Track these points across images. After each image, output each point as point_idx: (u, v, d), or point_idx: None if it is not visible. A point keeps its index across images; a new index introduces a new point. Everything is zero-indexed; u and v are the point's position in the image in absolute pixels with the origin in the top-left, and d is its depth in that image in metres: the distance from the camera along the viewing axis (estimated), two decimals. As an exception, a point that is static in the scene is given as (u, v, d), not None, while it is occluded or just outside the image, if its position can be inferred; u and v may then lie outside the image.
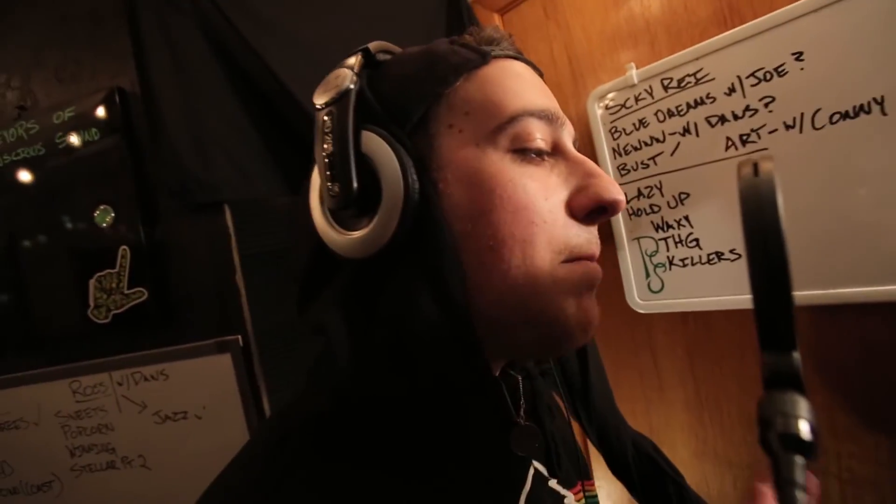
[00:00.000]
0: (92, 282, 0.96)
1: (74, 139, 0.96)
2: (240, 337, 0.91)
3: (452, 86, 0.34)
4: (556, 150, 0.36)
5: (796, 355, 0.25)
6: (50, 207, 0.98)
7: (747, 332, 0.98)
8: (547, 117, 0.35)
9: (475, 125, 0.34)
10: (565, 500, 0.44)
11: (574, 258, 0.34)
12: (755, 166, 0.29)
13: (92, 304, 0.96)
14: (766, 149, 0.90)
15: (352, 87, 0.33)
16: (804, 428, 0.22)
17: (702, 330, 1.06)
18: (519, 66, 0.37)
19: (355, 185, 0.31)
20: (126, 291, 0.94)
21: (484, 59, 0.35)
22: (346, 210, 0.33)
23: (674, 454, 0.92)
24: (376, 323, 0.33)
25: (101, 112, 0.95)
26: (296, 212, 0.40)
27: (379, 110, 0.34)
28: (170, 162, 0.89)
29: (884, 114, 0.79)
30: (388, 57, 0.39)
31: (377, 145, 0.32)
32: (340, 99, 0.32)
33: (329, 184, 0.32)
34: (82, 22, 1.00)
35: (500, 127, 0.33)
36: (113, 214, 0.95)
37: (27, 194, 1.00)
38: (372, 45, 0.37)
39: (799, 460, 0.21)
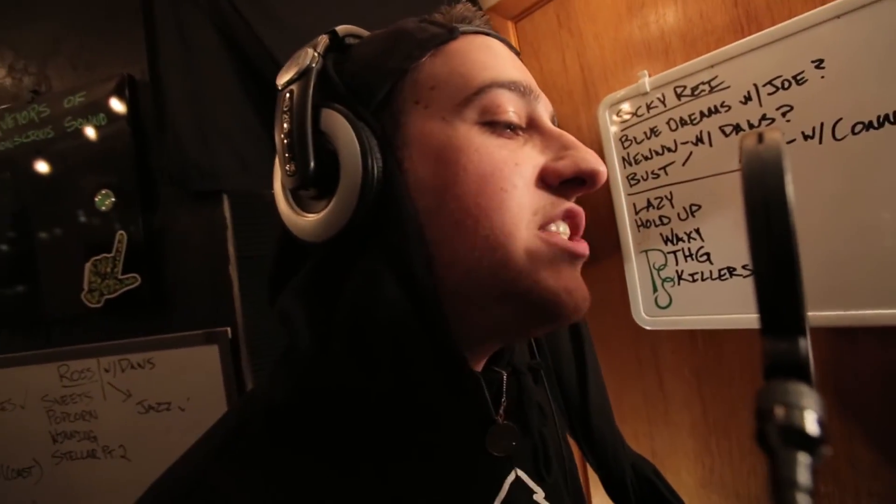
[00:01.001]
0: (88, 265, 0.96)
1: (82, 124, 0.97)
2: (229, 329, 0.89)
3: (418, 61, 0.33)
4: (531, 125, 0.33)
5: (803, 341, 0.21)
6: (54, 190, 0.99)
7: (760, 354, 0.93)
8: (519, 89, 0.32)
9: (441, 99, 0.32)
10: None
11: (545, 223, 0.32)
12: (760, 136, 0.26)
13: (86, 287, 0.96)
14: (782, 159, 0.86)
15: (313, 66, 0.32)
16: (810, 420, 0.18)
17: (711, 349, 1.00)
18: (490, 41, 0.35)
19: (312, 164, 0.30)
20: (120, 276, 0.94)
21: (451, 34, 0.34)
22: (305, 191, 0.32)
23: (677, 482, 0.86)
24: (337, 311, 0.30)
25: (110, 98, 0.96)
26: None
27: (342, 89, 0.32)
28: (173, 148, 0.89)
29: (910, 125, 0.75)
30: (355, 40, 0.38)
31: (337, 123, 0.30)
32: (300, 77, 0.31)
33: (287, 165, 0.30)
34: (99, 11, 1.02)
35: (468, 99, 0.31)
36: (113, 199, 0.95)
37: (33, 176, 1.00)
38: (340, 29, 0.36)
39: (803, 458, 0.17)
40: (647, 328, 1.08)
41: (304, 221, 0.31)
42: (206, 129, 0.92)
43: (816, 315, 0.83)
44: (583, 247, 0.32)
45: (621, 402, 1.14)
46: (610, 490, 0.58)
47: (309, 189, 0.31)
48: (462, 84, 0.32)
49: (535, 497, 0.39)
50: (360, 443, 0.31)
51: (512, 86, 0.32)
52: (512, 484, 0.37)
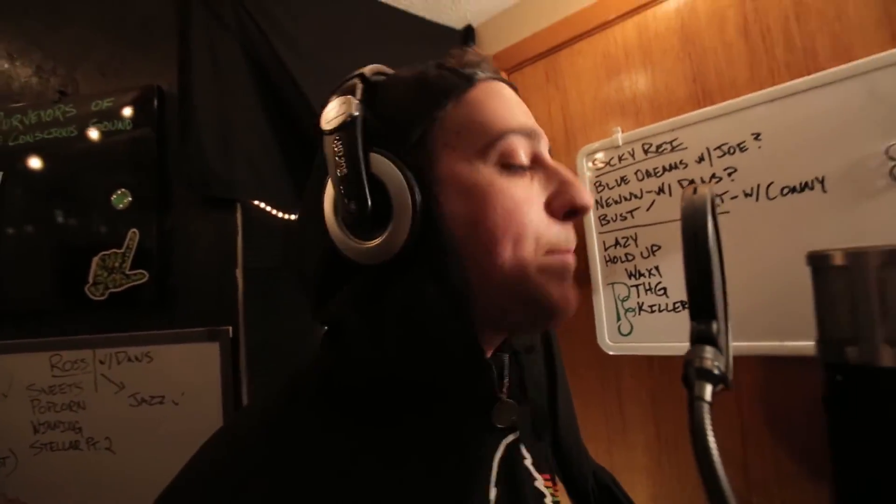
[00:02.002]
0: (96, 259, 1.00)
1: (108, 127, 1.03)
2: (231, 328, 0.95)
3: (444, 109, 0.38)
4: (535, 162, 0.42)
5: (714, 323, 0.32)
6: (70, 185, 1.04)
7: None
8: (527, 133, 0.40)
9: (466, 143, 0.39)
10: (536, 484, 0.49)
11: (554, 251, 0.41)
12: (695, 189, 0.38)
13: (91, 280, 1.00)
14: (727, 211, 1.02)
15: (357, 114, 0.36)
16: (712, 364, 0.29)
17: (665, 374, 1.13)
18: (499, 86, 0.42)
19: (369, 203, 0.36)
20: (128, 272, 0.98)
21: (469, 82, 0.40)
22: (359, 223, 0.37)
23: (631, 496, 0.96)
24: (389, 315, 0.37)
25: (138, 105, 1.04)
26: (304, 220, 0.45)
27: (382, 133, 0.37)
28: (196, 156, 0.97)
29: (824, 191, 0.92)
30: (381, 78, 0.42)
31: (385, 166, 0.36)
32: (348, 126, 0.36)
33: (346, 201, 0.36)
34: (134, 24, 1.11)
35: (488, 145, 0.38)
36: (130, 199, 1.01)
37: (50, 170, 1.05)
38: (367, 70, 0.41)
39: (707, 386, 0.28)
40: (611, 353, 1.20)
41: (361, 247, 0.36)
42: (228, 141, 1.00)
43: (754, 345, 0.97)
44: (574, 262, 0.42)
45: (584, 422, 1.23)
46: (572, 496, 0.66)
47: (366, 223, 0.37)
48: (482, 132, 0.39)
49: (525, 463, 0.47)
50: (395, 410, 0.39)
51: (521, 131, 0.40)
52: (508, 445, 0.45)
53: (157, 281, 0.98)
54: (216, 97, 1.02)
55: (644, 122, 1.19)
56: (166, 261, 1.00)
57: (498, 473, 0.41)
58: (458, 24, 1.58)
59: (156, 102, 1.04)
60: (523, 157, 0.40)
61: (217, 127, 1.00)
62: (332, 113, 0.37)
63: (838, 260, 0.34)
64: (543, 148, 0.42)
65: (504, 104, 0.41)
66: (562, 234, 0.41)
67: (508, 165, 0.39)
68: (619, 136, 1.19)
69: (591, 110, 1.30)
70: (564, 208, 0.40)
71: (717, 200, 1.03)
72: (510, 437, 0.44)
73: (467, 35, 1.57)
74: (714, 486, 0.27)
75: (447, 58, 0.43)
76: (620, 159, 1.19)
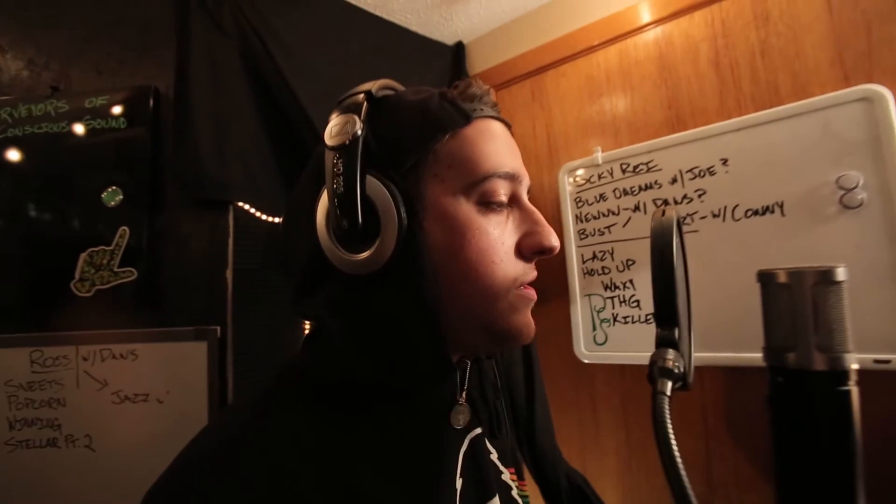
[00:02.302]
0: (83, 255, 1.00)
1: (101, 124, 1.04)
2: (219, 328, 0.96)
3: (440, 141, 0.41)
4: (513, 201, 0.45)
5: (676, 330, 0.37)
6: (61, 180, 1.04)
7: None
8: (511, 177, 0.44)
9: (454, 177, 0.41)
10: (503, 476, 0.53)
11: (519, 286, 0.44)
12: (663, 211, 0.43)
13: (77, 276, 1.00)
14: (697, 230, 1.09)
15: (359, 133, 0.38)
16: (672, 364, 0.34)
17: (636, 382, 1.19)
18: (494, 126, 0.44)
19: (360, 221, 0.38)
20: (116, 269, 0.99)
21: (468, 120, 0.42)
22: (349, 237, 0.40)
23: (603, 498, 1.00)
24: (367, 319, 0.41)
25: (133, 105, 1.05)
26: (292, 222, 0.48)
27: (379, 155, 0.39)
28: (191, 157, 0.98)
29: (783, 215, 1.00)
30: (388, 92, 0.45)
31: (379, 190, 0.38)
32: (350, 146, 0.38)
33: (339, 215, 0.39)
34: (133, 25, 1.12)
35: (473, 184, 0.42)
36: (121, 197, 1.01)
37: (41, 165, 1.05)
38: (375, 87, 0.43)
39: (668, 382, 0.33)
40: (586, 361, 1.25)
41: (347, 259, 0.39)
42: (223, 144, 1.02)
43: (718, 356, 1.04)
44: (535, 295, 0.45)
45: (559, 427, 1.28)
46: (545, 496, 0.69)
47: (356, 237, 0.39)
48: (470, 171, 0.42)
49: (492, 457, 0.51)
50: (366, 405, 0.42)
51: (506, 175, 0.43)
52: (472, 439, 0.49)
53: (146, 279, 0.99)
54: (213, 100, 1.04)
55: (622, 143, 1.26)
56: (156, 259, 1.01)
57: (462, 466, 0.45)
58: (450, 41, 1.63)
59: (151, 103, 1.05)
60: (503, 197, 0.43)
61: (213, 129, 1.02)
62: (336, 129, 0.39)
63: (782, 278, 0.39)
64: (523, 189, 0.46)
65: (494, 146, 0.43)
66: (527, 270, 0.45)
67: (488, 203, 0.42)
68: (599, 155, 1.26)
69: (574, 129, 1.37)
70: (533, 249, 0.43)
71: (687, 220, 1.11)
72: (475, 433, 0.48)
73: (458, 51, 1.63)
74: (672, 470, 0.31)
75: (452, 88, 0.45)
76: (600, 177, 1.26)
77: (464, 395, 0.48)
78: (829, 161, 0.97)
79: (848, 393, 0.38)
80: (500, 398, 0.55)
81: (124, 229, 1.01)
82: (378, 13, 1.44)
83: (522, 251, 0.43)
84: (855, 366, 0.38)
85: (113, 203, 1.01)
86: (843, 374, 0.38)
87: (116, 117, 1.05)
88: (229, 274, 0.99)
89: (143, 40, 1.13)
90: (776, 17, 1.08)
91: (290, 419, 0.39)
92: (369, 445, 0.40)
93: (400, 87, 0.47)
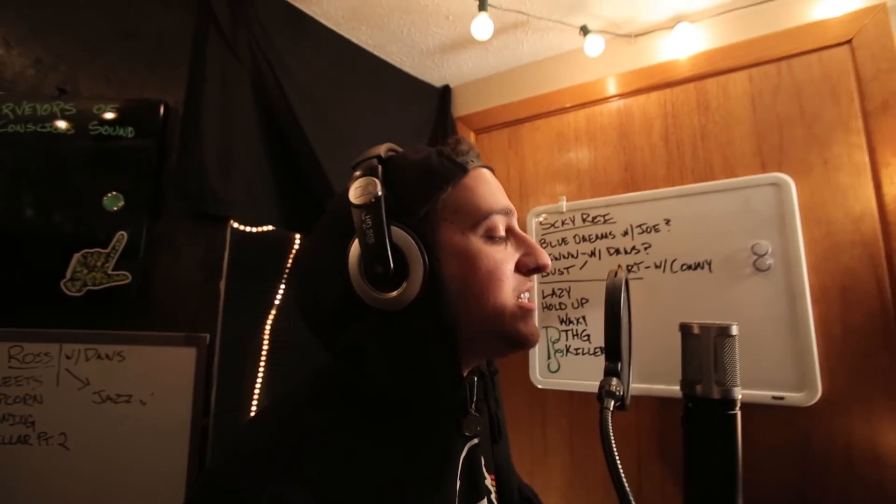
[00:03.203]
0: (77, 255, 1.03)
1: (108, 131, 1.09)
2: (208, 336, 1.02)
3: (445, 192, 0.49)
4: (509, 232, 0.56)
5: (619, 363, 0.51)
6: (60, 180, 1.06)
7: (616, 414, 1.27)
8: (505, 212, 0.54)
9: (461, 219, 0.50)
10: (486, 481, 0.63)
11: (521, 298, 0.55)
12: (615, 272, 0.57)
13: (68, 275, 1.03)
14: (641, 278, 1.27)
15: (380, 194, 0.45)
16: (615, 388, 0.47)
17: (583, 407, 1.34)
18: (485, 173, 0.54)
19: (392, 267, 0.45)
20: (110, 272, 1.03)
21: (464, 172, 0.51)
22: (382, 280, 0.47)
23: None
24: (399, 345, 0.49)
25: (144, 117, 1.10)
26: (320, 267, 0.54)
27: (397, 208, 0.47)
28: (195, 172, 1.05)
29: (710, 271, 1.20)
30: (392, 154, 0.52)
31: (404, 238, 0.46)
32: (374, 206, 0.45)
33: (372, 262, 0.45)
34: (149, 39, 1.18)
35: (477, 222, 0.52)
36: (122, 203, 1.06)
37: (41, 164, 1.07)
38: (382, 150, 0.50)
39: (611, 401, 0.46)
40: (540, 387, 1.39)
41: (381, 297, 0.46)
42: (228, 163, 1.10)
43: (652, 387, 1.21)
44: (534, 305, 0.57)
45: (513, 444, 1.41)
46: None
47: (388, 280, 0.47)
48: (473, 212, 0.52)
49: (480, 465, 0.62)
50: (391, 415, 0.51)
51: (501, 211, 0.54)
52: (470, 447, 0.59)
53: (140, 283, 1.03)
54: (221, 121, 1.11)
55: (585, 195, 1.44)
56: (151, 265, 1.05)
57: (461, 469, 0.55)
58: (438, 83, 1.79)
59: (161, 116, 1.12)
60: (502, 231, 0.54)
61: (219, 148, 1.09)
62: (360, 191, 0.46)
63: (695, 330, 0.53)
64: (515, 221, 0.57)
65: (488, 189, 0.53)
66: (526, 284, 0.56)
67: (492, 237, 0.53)
68: (564, 204, 1.43)
69: (543, 177, 1.54)
70: (529, 267, 0.55)
71: (635, 268, 1.29)
72: (473, 442, 0.58)
73: (444, 93, 1.78)
74: (613, 468, 0.44)
75: (445, 146, 0.55)
76: (563, 223, 1.43)
77: (473, 406, 0.56)
78: (747, 231, 1.18)
79: (735, 415, 0.52)
80: (500, 409, 0.66)
81: (122, 234, 1.05)
82: (377, 53, 1.57)
83: (520, 269, 0.54)
84: (739, 396, 0.53)
85: (114, 208, 1.06)
86: (732, 402, 0.53)
87: (126, 127, 1.10)
88: (223, 285, 1.06)
89: (155, 54, 1.19)
90: (714, 109, 1.31)
91: (326, 422, 0.47)
92: (392, 448, 0.49)
93: (399, 148, 0.56)
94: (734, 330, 0.54)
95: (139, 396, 0.99)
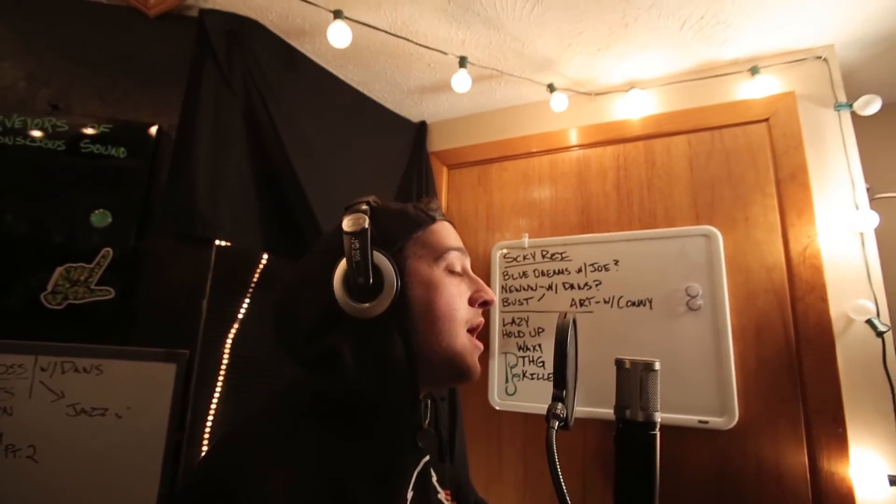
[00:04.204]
0: (60, 269, 1.06)
1: (100, 150, 1.13)
2: (188, 352, 1.07)
3: (417, 232, 0.61)
4: (464, 271, 0.68)
5: (564, 391, 0.62)
6: (48, 195, 1.09)
7: (564, 434, 1.39)
8: (460, 251, 0.67)
9: (428, 254, 0.64)
10: (439, 496, 0.72)
11: (471, 329, 0.66)
12: (564, 315, 0.69)
13: (49, 288, 1.05)
14: (592, 311, 1.42)
15: (367, 226, 0.56)
16: (560, 411, 0.58)
17: (536, 428, 1.45)
18: (447, 225, 0.66)
19: (371, 281, 0.57)
20: (93, 287, 1.06)
21: (433, 220, 0.64)
22: (361, 292, 0.58)
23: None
24: (369, 355, 0.58)
25: (136, 138, 1.15)
26: (306, 282, 0.64)
27: (380, 240, 0.57)
28: (184, 195, 1.11)
29: (651, 309, 1.36)
30: (377, 203, 0.63)
31: (382, 261, 0.56)
32: (361, 233, 0.55)
33: (356, 276, 0.57)
34: (147, 63, 1.24)
35: (440, 257, 0.64)
36: (110, 220, 1.10)
37: (29, 177, 1.09)
38: (371, 199, 0.62)
39: (556, 422, 0.57)
40: (497, 408, 1.50)
41: (358, 307, 0.57)
42: (216, 188, 1.16)
43: (596, 410, 1.34)
44: (482, 346, 0.68)
45: (470, 461, 1.50)
46: None
47: (365, 293, 0.58)
48: (437, 248, 0.64)
49: (432, 480, 0.71)
50: (356, 420, 0.58)
51: (458, 251, 0.66)
52: (425, 463, 0.69)
53: (123, 299, 1.07)
54: (212, 148, 1.18)
55: (545, 233, 1.59)
56: (135, 282, 1.09)
57: (415, 482, 0.62)
58: (416, 119, 1.91)
59: (154, 139, 1.17)
60: (458, 268, 0.66)
61: (209, 174, 1.15)
62: (351, 222, 0.56)
63: (627, 364, 0.66)
64: (468, 263, 0.69)
65: (449, 235, 0.66)
66: (476, 314, 0.67)
67: (451, 271, 0.64)
68: (526, 241, 1.57)
69: (509, 214, 1.68)
70: (479, 301, 0.66)
71: (586, 303, 1.44)
72: (426, 458, 0.66)
73: (421, 129, 1.91)
74: (556, 478, 0.55)
75: (420, 202, 0.69)
76: (524, 258, 1.57)
77: (426, 423, 0.65)
78: (682, 274, 1.36)
79: (655, 435, 0.65)
80: (459, 431, 0.76)
81: (108, 250, 1.09)
82: (361, 89, 1.69)
83: (472, 303, 0.65)
84: (659, 419, 0.66)
85: (101, 224, 1.09)
86: (654, 424, 0.65)
87: (118, 146, 1.14)
88: (205, 304, 1.11)
89: (151, 78, 1.25)
90: (659, 165, 1.50)
91: (298, 426, 0.55)
92: (353, 449, 0.56)
93: (380, 201, 0.66)
94: (657, 366, 0.67)
95: (115, 410, 1.02)
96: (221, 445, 0.53)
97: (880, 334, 1.15)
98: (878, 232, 1.27)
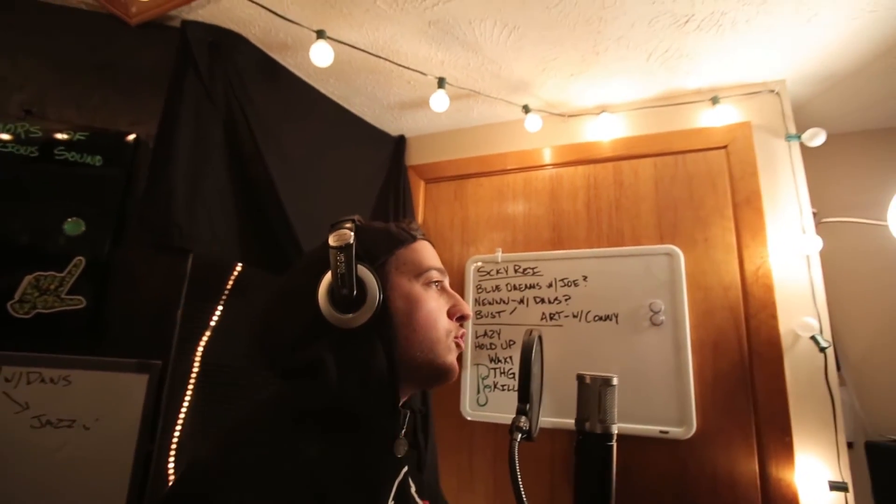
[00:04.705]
0: (28, 278, 1.04)
1: (75, 158, 1.12)
2: (161, 362, 1.07)
3: (399, 249, 0.65)
4: (442, 288, 0.72)
5: (527, 404, 0.66)
6: (18, 202, 1.07)
7: (534, 444, 1.44)
8: (439, 270, 0.71)
9: (409, 270, 0.68)
10: None
11: (452, 337, 0.70)
12: (530, 332, 0.73)
13: (17, 297, 1.03)
14: (561, 325, 1.47)
15: (352, 242, 0.59)
16: (522, 424, 0.62)
17: (507, 438, 1.48)
18: (427, 244, 0.70)
19: (355, 293, 0.61)
20: (63, 296, 1.05)
21: (413, 239, 0.68)
22: (345, 303, 0.62)
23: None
24: (352, 363, 0.61)
25: (114, 147, 1.15)
26: (292, 293, 0.67)
27: (364, 255, 0.61)
28: (162, 206, 1.11)
29: (617, 323, 1.42)
30: (361, 221, 0.71)
31: (366, 274, 0.60)
32: (346, 248, 0.59)
33: (340, 287, 0.60)
34: (127, 72, 1.24)
35: (420, 273, 0.68)
36: (84, 228, 1.09)
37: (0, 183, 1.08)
38: (356, 217, 0.65)
39: (518, 434, 0.61)
40: (469, 418, 1.53)
41: (342, 317, 0.61)
42: (194, 199, 1.17)
43: (563, 421, 1.39)
44: (462, 346, 0.72)
45: (441, 470, 1.53)
46: None
47: (349, 303, 0.62)
48: (418, 265, 0.68)
49: (411, 490, 0.74)
50: (338, 427, 0.61)
51: (437, 269, 0.70)
52: (405, 473, 0.72)
53: (94, 309, 1.06)
54: (191, 159, 1.19)
55: (518, 248, 1.64)
56: (108, 292, 1.08)
57: (395, 492, 0.65)
58: (394, 133, 1.95)
59: (132, 148, 1.17)
60: (437, 283, 0.70)
61: (187, 185, 1.16)
62: (337, 238, 0.60)
63: (587, 379, 0.71)
64: (446, 280, 0.74)
65: (429, 254, 0.70)
66: (456, 327, 0.71)
67: (429, 285, 0.68)
68: (500, 255, 1.62)
69: (484, 230, 1.73)
70: (456, 315, 0.71)
71: (556, 317, 1.49)
72: (405, 468, 0.69)
73: (399, 143, 1.94)
74: (516, 487, 0.58)
75: (401, 221, 0.73)
76: (497, 272, 1.61)
77: (403, 433, 0.67)
78: (646, 291, 1.43)
79: (612, 446, 0.70)
80: (430, 444, 0.79)
81: (80, 259, 1.08)
82: (342, 103, 1.71)
83: (450, 315, 0.69)
84: (616, 431, 0.70)
85: (75, 233, 1.09)
86: (610, 436, 0.70)
87: (94, 154, 1.14)
88: (180, 314, 1.11)
89: (130, 87, 1.25)
90: (626, 186, 1.57)
91: (280, 440, 0.56)
92: (336, 460, 0.58)
93: (364, 220, 0.69)
94: (615, 381, 0.72)
95: (83, 421, 1.01)
96: (203, 458, 0.54)
97: (823, 350, 1.24)
98: (824, 253, 1.37)
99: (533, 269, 1.57)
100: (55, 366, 1.02)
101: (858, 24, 1.26)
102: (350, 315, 0.59)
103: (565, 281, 1.52)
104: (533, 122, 1.62)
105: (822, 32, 1.29)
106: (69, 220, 1.10)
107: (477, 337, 1.60)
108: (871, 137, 1.73)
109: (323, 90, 1.63)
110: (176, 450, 1.09)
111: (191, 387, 1.18)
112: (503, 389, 1.51)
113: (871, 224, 1.43)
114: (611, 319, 1.44)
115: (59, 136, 1.14)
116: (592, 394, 0.72)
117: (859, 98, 1.58)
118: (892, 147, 1.70)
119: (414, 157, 1.94)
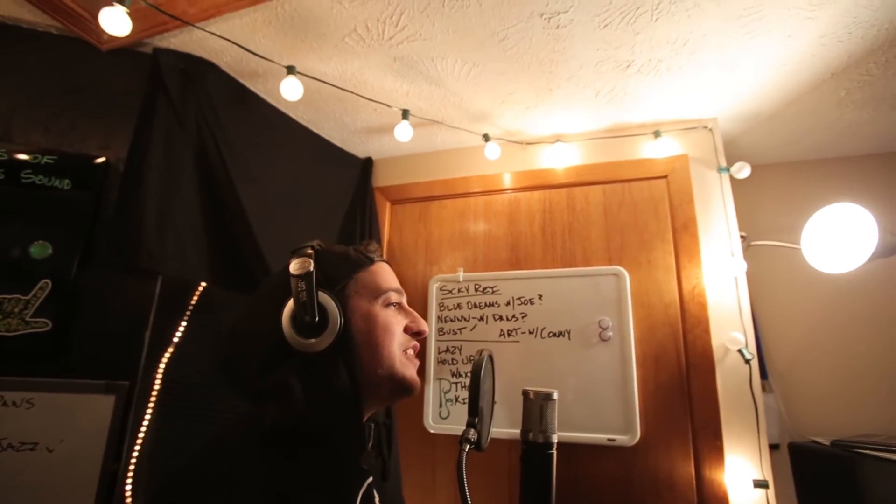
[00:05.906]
0: (-9, 302, 1.05)
1: (43, 181, 1.13)
2: (128, 383, 1.09)
3: (358, 273, 0.69)
4: (400, 307, 0.78)
5: (476, 418, 0.75)
6: None
7: (494, 456, 1.52)
8: (397, 291, 0.77)
9: (368, 292, 0.73)
10: None
11: (407, 349, 0.76)
12: (480, 352, 0.82)
13: (-22, 321, 1.04)
14: (518, 341, 1.57)
15: (312, 270, 0.62)
16: (471, 436, 0.70)
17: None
18: (385, 265, 0.74)
19: (317, 319, 0.65)
20: (28, 319, 1.06)
21: (372, 262, 0.72)
22: (308, 329, 0.66)
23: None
24: (316, 385, 0.66)
25: (82, 171, 1.17)
26: (255, 321, 0.70)
27: (324, 281, 0.64)
28: (132, 229, 1.14)
29: (569, 339, 1.53)
30: (321, 246, 0.69)
31: (326, 300, 0.63)
32: (307, 276, 0.62)
33: (302, 314, 0.65)
34: (95, 97, 1.26)
35: (379, 295, 0.73)
36: (50, 251, 1.11)
37: None
38: (315, 243, 0.69)
39: (467, 445, 0.69)
40: (432, 431, 1.60)
41: (305, 342, 0.65)
42: (164, 223, 1.20)
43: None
44: (417, 361, 0.78)
45: (405, 482, 1.58)
46: None
47: (311, 328, 0.66)
48: (377, 288, 0.74)
49: (375, 501, 0.80)
50: (304, 444, 0.65)
51: (395, 290, 0.76)
52: (368, 484, 0.78)
53: (60, 331, 1.07)
54: (161, 183, 1.22)
55: (478, 268, 1.74)
56: (76, 313, 1.10)
57: (360, 501, 0.71)
58: (362, 155, 2.02)
59: (101, 172, 1.19)
60: (395, 303, 0.76)
61: (157, 209, 1.19)
62: (298, 265, 0.63)
63: (531, 394, 0.79)
64: (404, 300, 0.79)
65: (387, 275, 0.74)
66: (411, 342, 0.78)
67: (388, 304, 0.74)
68: (461, 275, 1.71)
69: (447, 250, 1.82)
70: (413, 330, 0.77)
71: (514, 333, 1.59)
72: (369, 480, 0.77)
73: (367, 164, 2.01)
74: (463, 495, 0.66)
75: (360, 245, 0.78)
76: (459, 291, 1.70)
77: (370, 445, 0.73)
78: (596, 309, 1.55)
79: (552, 454, 0.78)
80: (392, 455, 0.85)
81: (46, 282, 1.09)
82: (311, 127, 1.78)
83: (407, 331, 0.75)
84: (556, 441, 0.79)
85: (41, 256, 1.10)
86: (550, 445, 0.79)
87: (62, 178, 1.16)
88: (147, 335, 1.13)
89: (100, 111, 1.27)
90: (578, 210, 1.70)
91: (248, 459, 0.61)
92: (303, 475, 0.63)
93: (324, 244, 0.73)
94: (555, 395, 0.81)
95: (46, 443, 1.02)
96: (174, 476, 0.57)
97: (747, 361, 1.39)
98: (755, 273, 1.53)
99: (492, 287, 1.66)
100: (18, 388, 1.02)
101: (774, 74, 1.43)
102: (313, 340, 0.63)
103: (522, 299, 1.62)
104: (492, 150, 1.73)
105: (744, 78, 1.46)
106: (36, 243, 1.11)
107: (439, 353, 1.68)
108: (793, 169, 1.94)
109: (293, 115, 1.69)
110: (134, 469, 1.09)
111: (151, 404, 1.19)
112: (464, 403, 1.59)
113: (791, 247, 1.60)
114: (564, 336, 1.55)
115: (26, 159, 1.16)
116: (535, 407, 0.81)
117: (781, 134, 1.78)
118: (810, 177, 1.91)
119: (381, 179, 2.02)
